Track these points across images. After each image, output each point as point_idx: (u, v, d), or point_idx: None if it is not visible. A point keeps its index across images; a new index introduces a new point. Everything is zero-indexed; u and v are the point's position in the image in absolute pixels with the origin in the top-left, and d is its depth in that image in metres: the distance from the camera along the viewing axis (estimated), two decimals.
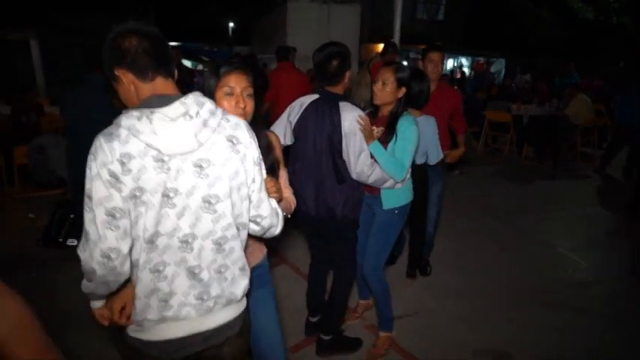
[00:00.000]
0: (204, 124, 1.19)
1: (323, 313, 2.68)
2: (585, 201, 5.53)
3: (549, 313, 3.07)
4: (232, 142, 1.25)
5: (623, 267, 3.92)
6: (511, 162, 7.52)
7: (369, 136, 2.21)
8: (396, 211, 2.45)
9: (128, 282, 1.26)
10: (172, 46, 7.33)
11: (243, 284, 1.34)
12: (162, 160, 1.14)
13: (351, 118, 2.20)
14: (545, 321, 2.98)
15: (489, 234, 4.43)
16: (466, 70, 18.00)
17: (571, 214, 5.06)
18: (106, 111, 2.45)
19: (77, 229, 3.80)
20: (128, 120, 1.13)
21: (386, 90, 2.31)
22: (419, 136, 2.34)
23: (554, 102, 8.04)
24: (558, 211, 5.14)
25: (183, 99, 1.18)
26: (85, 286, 1.23)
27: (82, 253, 1.14)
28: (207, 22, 24.81)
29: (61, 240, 3.75)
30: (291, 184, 1.97)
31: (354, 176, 2.26)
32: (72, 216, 3.78)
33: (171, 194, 1.17)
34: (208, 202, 1.22)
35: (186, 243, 1.21)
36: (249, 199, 1.34)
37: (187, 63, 15.94)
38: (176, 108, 1.15)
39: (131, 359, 1.32)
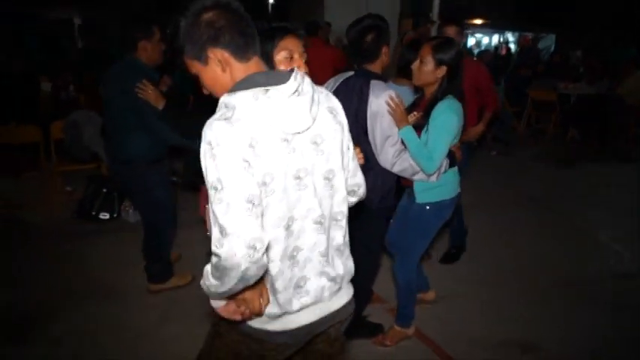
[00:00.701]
0: (312, 98, 1.13)
1: None
2: (633, 188, 5.14)
3: (585, 306, 2.89)
4: (333, 113, 1.23)
5: None
6: (555, 144, 7.13)
7: (400, 120, 2.02)
8: (428, 207, 2.23)
9: None
10: None
11: (352, 258, 1.35)
12: (287, 140, 1.08)
13: (380, 97, 2.04)
14: (579, 314, 2.81)
15: (525, 219, 4.22)
16: (512, 46, 17.15)
17: (616, 201, 4.73)
18: (129, 95, 2.46)
19: (109, 203, 3.93)
20: (243, 100, 1.04)
21: (423, 69, 2.11)
22: (458, 125, 2.09)
23: (606, 81, 7.52)
24: (602, 198, 4.83)
25: (294, 75, 1.10)
26: (216, 286, 1.07)
27: (220, 249, 1.01)
28: None
29: (94, 213, 3.88)
30: None
31: (380, 162, 2.12)
32: (104, 190, 3.89)
33: (302, 174, 1.12)
34: (327, 179, 1.20)
35: (320, 224, 1.18)
36: (348, 168, 1.31)
37: None
38: (290, 85, 1.07)
39: (249, 348, 1.24)
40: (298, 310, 1.20)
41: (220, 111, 1.06)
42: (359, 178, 1.38)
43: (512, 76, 7.86)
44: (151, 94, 2.40)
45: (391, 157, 2.07)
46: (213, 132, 1.02)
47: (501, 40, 18.80)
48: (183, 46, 1.11)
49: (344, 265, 1.30)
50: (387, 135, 2.05)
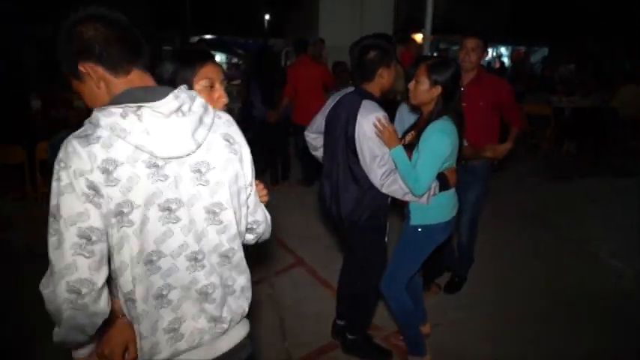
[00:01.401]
0: (200, 121, 1.03)
1: (348, 312, 2.58)
2: (631, 202, 5.08)
3: (588, 328, 2.79)
4: (229, 141, 1.12)
5: None
6: (550, 158, 7.08)
7: (389, 141, 2.01)
8: (420, 229, 2.18)
9: (119, 319, 1.10)
10: (198, 40, 7.26)
11: (249, 296, 1.22)
12: (157, 166, 0.97)
13: (367, 118, 2.04)
14: (580, 336, 2.71)
15: (523, 237, 4.14)
16: (506, 60, 17.27)
17: (614, 217, 4.67)
18: None
19: None
20: (109, 118, 0.93)
21: (418, 88, 2.07)
22: (449, 148, 2.03)
23: (599, 93, 7.51)
24: (600, 213, 4.76)
25: (176, 92, 1.00)
26: (55, 333, 0.98)
27: (45, 290, 0.92)
28: (244, 15, 25.06)
29: None
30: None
31: (372, 181, 2.12)
32: None
33: (174, 206, 1.00)
34: (212, 212, 1.07)
35: (195, 260, 1.06)
36: (247, 204, 1.21)
37: (222, 56, 16.06)
38: (169, 102, 0.97)
39: None
40: (174, 357, 1.07)
41: (84, 127, 0.96)
42: (259, 216, 1.28)
43: None
44: None
45: (379, 178, 2.06)
46: (65, 150, 0.92)
47: (494, 54, 18.93)
48: (60, 62, 1.02)
49: (234, 305, 1.15)
50: (375, 155, 2.05)
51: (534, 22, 16.54)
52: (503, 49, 18.90)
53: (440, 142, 2.00)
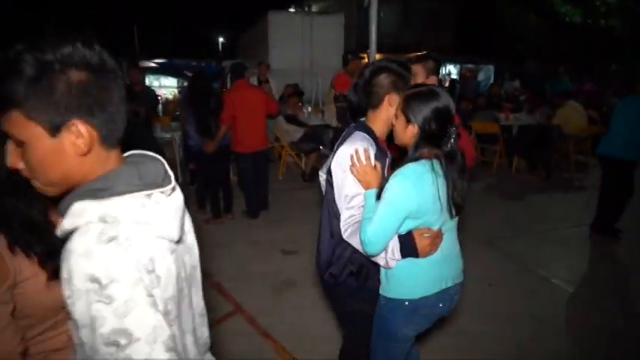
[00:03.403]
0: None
1: None
2: (580, 219, 5.04)
3: None
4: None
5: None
6: (501, 175, 7.10)
7: (364, 180, 1.63)
8: (382, 302, 1.73)
9: None
10: (135, 65, 6.83)
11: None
12: (175, 251, 0.88)
13: (348, 149, 1.69)
14: None
15: (475, 262, 3.92)
16: (455, 77, 17.74)
17: (565, 236, 4.61)
18: None
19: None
20: (128, 210, 0.80)
21: (395, 126, 1.68)
22: (413, 199, 1.54)
23: (545, 109, 7.68)
24: (551, 232, 4.71)
25: (164, 163, 0.93)
26: None
27: None
28: (197, 38, 24.95)
29: None
30: None
31: None
32: None
33: (184, 285, 0.93)
34: (192, 277, 1.02)
35: (193, 333, 1.00)
36: None
37: (173, 81, 15.60)
38: (172, 181, 0.90)
39: None
40: None
41: (95, 227, 0.76)
42: None
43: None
44: None
45: (343, 221, 1.70)
46: (99, 263, 0.73)
47: (444, 72, 19.42)
48: (20, 97, 0.73)
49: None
50: (344, 193, 1.70)
51: (478, 41, 17.17)
52: (451, 67, 19.42)
53: (398, 190, 1.54)
